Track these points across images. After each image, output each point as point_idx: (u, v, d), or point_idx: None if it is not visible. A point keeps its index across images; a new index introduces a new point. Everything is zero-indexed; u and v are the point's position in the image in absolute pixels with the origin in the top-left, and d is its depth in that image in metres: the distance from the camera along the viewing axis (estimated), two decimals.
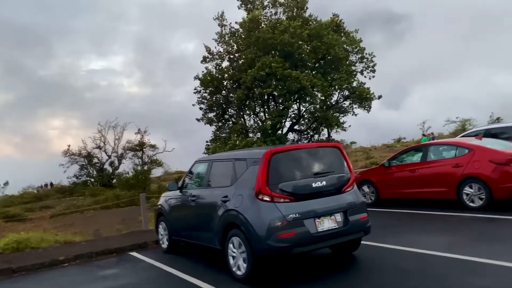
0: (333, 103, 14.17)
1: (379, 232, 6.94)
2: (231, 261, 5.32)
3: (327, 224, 5.12)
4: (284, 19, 13.57)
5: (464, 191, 8.47)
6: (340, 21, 14.45)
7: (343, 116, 14.15)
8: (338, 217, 5.27)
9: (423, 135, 22.81)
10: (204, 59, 15.34)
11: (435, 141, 11.74)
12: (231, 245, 5.31)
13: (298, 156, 5.52)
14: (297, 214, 4.93)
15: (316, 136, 14.96)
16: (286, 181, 5.13)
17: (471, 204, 8.36)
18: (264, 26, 13.61)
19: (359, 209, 5.54)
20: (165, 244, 7.47)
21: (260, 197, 5.01)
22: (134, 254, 7.55)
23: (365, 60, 13.94)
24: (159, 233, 7.73)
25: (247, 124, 13.88)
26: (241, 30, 14.21)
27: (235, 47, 14.27)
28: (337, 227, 5.17)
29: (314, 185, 5.22)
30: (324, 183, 5.30)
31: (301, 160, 5.51)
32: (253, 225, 4.93)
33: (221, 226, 5.47)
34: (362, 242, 5.85)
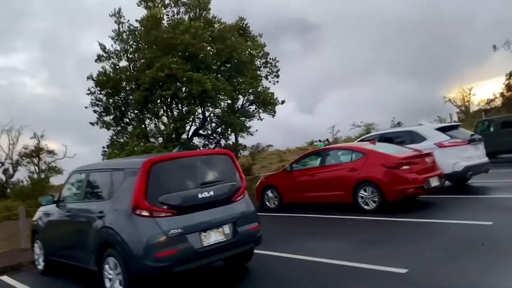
0: (239, 108, 13.96)
1: (276, 239, 7.00)
2: (107, 284, 4.81)
3: (214, 237, 4.87)
4: (186, 19, 13.07)
5: (359, 194, 8.73)
6: (246, 24, 14.37)
7: (249, 121, 14.07)
8: (227, 229, 5.02)
9: (319, 140, 23.96)
10: (99, 58, 14.20)
11: (332, 145, 12.03)
12: (107, 266, 4.79)
13: (183, 165, 5.17)
14: (179, 229, 4.55)
15: (223, 141, 14.70)
16: (169, 192, 4.71)
17: (365, 207, 8.62)
18: (166, 25, 12.99)
19: (250, 219, 5.38)
20: (41, 265, 6.67)
21: (137, 212, 4.58)
22: (5, 278, 6.62)
23: (269, 65, 14.02)
24: (34, 253, 6.88)
25: (148, 129, 13.13)
26: (141, 28, 13.42)
27: (134, 46, 13.42)
28: (225, 239, 4.96)
29: (200, 196, 4.94)
30: (211, 193, 5.02)
31: (187, 169, 5.16)
32: (128, 244, 4.46)
33: (96, 245, 4.93)
34: (256, 250, 5.68)
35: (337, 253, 5.82)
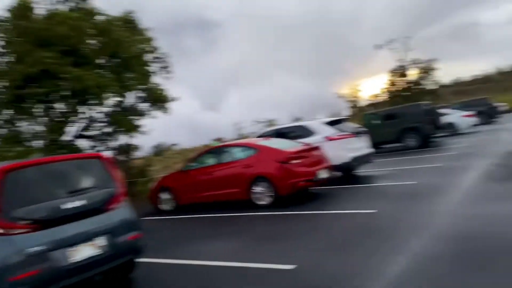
0: (128, 105, 13.06)
1: (168, 245, 6.71)
2: None
3: (85, 252, 4.32)
4: (64, 9, 11.77)
5: (254, 190, 8.62)
6: (133, 17, 13.49)
7: (139, 119, 13.23)
8: (100, 241, 4.45)
9: (215, 139, 24.04)
10: None
11: (228, 143, 11.86)
12: None
13: (46, 172, 4.49)
14: (41, 246, 3.93)
15: (113, 143, 13.60)
16: (29, 204, 4.05)
17: (260, 202, 8.58)
18: (38, 15, 11.54)
19: (129, 227, 4.86)
20: None
21: None
22: None
23: (159, 60, 13.35)
24: None
25: (23, 130, 11.59)
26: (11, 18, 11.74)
27: (3, 38, 11.69)
28: (98, 253, 4.42)
29: (67, 206, 4.32)
30: (81, 202, 4.41)
31: (51, 177, 4.48)
32: None
33: None
34: (145, 259, 5.22)
35: (230, 254, 5.65)
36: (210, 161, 9.87)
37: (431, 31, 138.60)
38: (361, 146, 11.13)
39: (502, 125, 24.33)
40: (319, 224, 6.58)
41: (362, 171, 11.87)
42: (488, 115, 28.36)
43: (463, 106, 26.65)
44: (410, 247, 4.61)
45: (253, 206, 8.54)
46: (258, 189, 8.60)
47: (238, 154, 9.39)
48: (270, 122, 40.46)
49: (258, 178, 8.61)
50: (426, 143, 17.55)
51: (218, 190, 9.27)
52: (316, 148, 9.26)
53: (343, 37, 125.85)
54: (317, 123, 11.38)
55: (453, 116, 22.25)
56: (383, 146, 19.18)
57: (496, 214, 5.43)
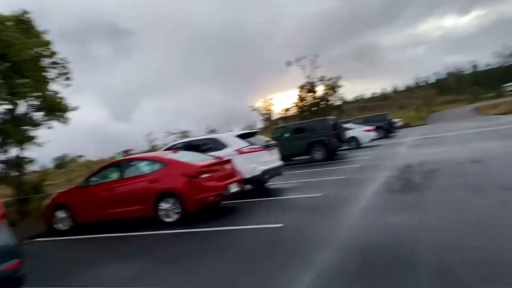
0: (20, 114, 11.69)
1: (60, 271, 6.08)
2: None
3: None
4: None
5: (160, 207, 8.18)
6: (28, 18, 12.20)
7: (34, 130, 11.91)
8: None
9: (122, 152, 23.01)
10: None
11: (133, 156, 11.20)
12: None
13: None
14: None
15: (1, 155, 12.04)
16: None
17: (167, 219, 8.14)
18: None
19: (7, 255, 4.15)
20: None
21: None
22: None
23: (58, 66, 12.20)
24: None
25: None
26: None
27: None
28: None
29: None
30: None
31: None
32: None
33: None
34: None
35: (127, 278, 5.17)
36: (113, 175, 9.18)
37: (337, 51, 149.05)
38: (272, 159, 11.25)
39: (399, 139, 26.67)
40: (226, 241, 6.37)
41: (272, 183, 12.00)
42: (386, 130, 30.93)
43: (365, 121, 28.77)
44: (316, 261, 4.60)
45: (159, 223, 8.07)
46: (165, 205, 8.16)
47: (144, 168, 8.86)
48: (184, 134, 39.68)
49: (165, 194, 8.18)
50: (332, 156, 18.46)
51: (121, 207, 8.64)
52: (227, 162, 9.10)
53: (258, 51, 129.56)
54: (228, 135, 11.27)
55: (356, 130, 23.82)
56: (294, 158, 19.81)
57: (393, 224, 5.71)
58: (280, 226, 6.58)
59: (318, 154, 18.08)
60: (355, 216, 6.50)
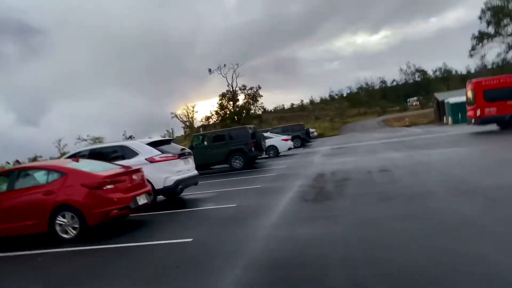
0: None
1: None
2: None
3: None
4: None
5: (57, 222, 7.29)
6: None
7: None
8: None
9: (7, 162, 21.12)
10: None
11: (26, 165, 10.00)
12: None
13: None
14: None
15: None
16: None
17: (65, 235, 7.27)
18: None
19: None
20: None
21: None
22: None
23: None
24: None
25: None
26: None
27: None
28: None
29: None
30: None
31: None
32: None
33: None
34: None
35: None
36: (2, 186, 8.03)
37: (258, 62, 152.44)
38: (186, 168, 10.75)
39: (314, 148, 27.62)
40: (128, 259, 5.77)
41: (187, 194, 11.49)
42: (303, 139, 31.90)
43: (283, 131, 29.39)
44: (222, 281, 4.26)
45: (55, 240, 7.17)
46: (62, 220, 7.27)
47: (39, 178, 7.86)
48: (97, 140, 37.29)
49: (63, 207, 7.28)
50: (250, 165, 18.41)
51: (10, 222, 7.55)
52: (136, 171, 8.42)
53: (180, 58, 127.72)
54: (139, 143, 10.55)
55: (274, 139, 24.17)
56: (213, 167, 19.44)
57: (305, 236, 5.59)
58: (189, 241, 6.14)
59: (237, 163, 17.90)
60: (268, 228, 6.30)
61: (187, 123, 64.34)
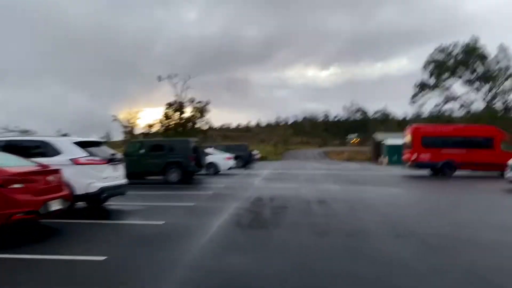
0: None
1: None
2: None
3: None
4: None
5: None
6: None
7: None
8: None
9: None
10: None
11: None
12: None
13: None
14: None
15: None
16: None
17: None
18: None
19: None
20: None
21: None
22: None
23: None
24: None
25: None
26: None
27: None
28: None
29: None
30: None
31: None
32: None
33: None
34: None
35: None
36: None
37: (210, 78, 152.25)
38: (115, 175, 9.77)
39: (255, 170, 27.32)
40: (25, 275, 4.81)
41: (112, 204, 10.46)
42: (245, 160, 31.52)
43: (226, 149, 28.82)
44: None
45: None
46: None
47: None
48: (25, 133, 34.34)
49: None
50: (187, 179, 17.57)
51: None
52: (54, 172, 7.39)
53: (130, 62, 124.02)
54: (64, 140, 9.46)
55: (216, 156, 23.50)
56: (148, 177, 18.34)
57: (236, 268, 4.99)
58: (102, 260, 5.29)
59: (173, 176, 16.96)
60: (195, 254, 5.62)
61: (128, 129, 61.73)
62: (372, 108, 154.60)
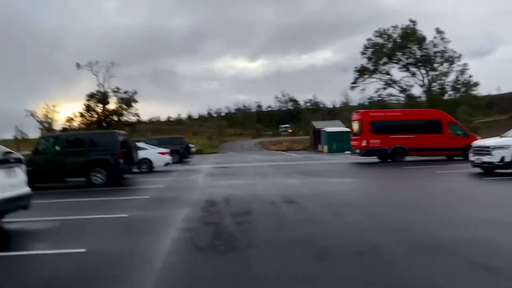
0: None
1: None
2: None
3: None
4: None
5: None
6: None
7: None
8: None
9: None
10: None
11: None
12: None
13: None
14: None
15: None
16: None
17: None
18: None
19: None
20: None
21: None
22: None
23: None
24: None
25: None
26: None
27: None
28: None
29: None
30: None
31: None
32: None
33: None
34: None
35: None
36: None
37: (135, 70, 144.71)
38: (10, 183, 6.88)
39: (194, 166, 24.75)
40: None
41: (10, 221, 7.55)
42: (182, 154, 28.77)
43: (159, 143, 25.87)
44: None
45: None
46: None
47: None
48: None
49: None
50: (116, 181, 14.66)
51: None
52: None
53: (46, 53, 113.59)
54: None
55: (149, 152, 20.59)
56: (70, 179, 15.13)
57: None
58: None
59: (98, 178, 13.88)
60: None
61: (45, 124, 55.43)
62: (303, 98, 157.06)
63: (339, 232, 6.02)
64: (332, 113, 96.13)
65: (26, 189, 7.36)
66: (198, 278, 4.20)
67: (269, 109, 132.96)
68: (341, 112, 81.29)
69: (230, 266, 4.58)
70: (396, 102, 54.35)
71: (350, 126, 26.05)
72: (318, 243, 5.35)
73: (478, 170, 13.58)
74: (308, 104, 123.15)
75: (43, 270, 4.72)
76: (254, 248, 5.24)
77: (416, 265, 4.34)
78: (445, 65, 50.82)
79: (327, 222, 6.80)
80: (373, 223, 6.52)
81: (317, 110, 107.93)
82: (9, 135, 50.81)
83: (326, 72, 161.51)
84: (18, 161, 7.24)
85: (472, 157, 13.65)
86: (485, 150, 12.86)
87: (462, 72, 49.55)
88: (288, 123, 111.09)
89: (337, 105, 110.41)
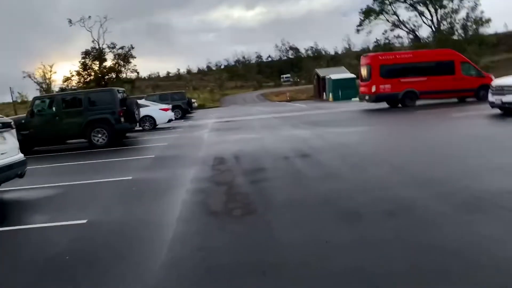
0: None
1: None
2: None
3: None
4: None
5: None
6: None
7: None
8: None
9: None
10: None
11: None
12: None
13: None
14: None
15: None
16: None
17: None
18: None
19: None
20: None
21: None
22: None
23: None
24: None
25: None
26: None
27: None
28: None
29: None
30: None
31: None
32: None
33: None
34: None
35: None
36: None
37: (129, 25, 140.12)
38: (0, 149, 6.30)
39: (197, 121, 24.09)
40: None
41: (6, 189, 7.06)
42: (184, 110, 28.07)
43: (161, 99, 25.13)
44: None
45: None
46: None
47: None
48: None
49: None
50: (118, 141, 14.11)
51: None
52: None
53: (37, 12, 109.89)
54: None
55: (151, 108, 19.91)
56: (70, 141, 14.65)
57: None
58: None
59: (99, 138, 13.33)
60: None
61: (43, 85, 54.35)
62: (303, 46, 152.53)
63: (363, 188, 5.44)
64: (334, 60, 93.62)
65: (19, 156, 6.77)
66: (215, 250, 3.67)
67: (269, 59, 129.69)
68: (344, 59, 79.14)
69: (249, 233, 4.05)
70: (400, 45, 52.41)
71: (354, 72, 24.97)
72: (342, 203, 4.79)
73: (497, 111, 12.85)
74: (309, 52, 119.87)
75: (38, 248, 4.21)
76: (274, 211, 4.70)
77: (461, 224, 3.78)
78: (455, 1, 48.38)
79: (348, 177, 6.22)
80: (399, 177, 5.94)
81: (319, 58, 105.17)
82: (9, 98, 50.01)
83: (326, 17, 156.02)
84: (7, 125, 6.59)
85: (491, 98, 12.86)
86: (507, 89, 12.05)
87: (473, 8, 47.20)
88: (288, 73, 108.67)
89: (339, 52, 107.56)
